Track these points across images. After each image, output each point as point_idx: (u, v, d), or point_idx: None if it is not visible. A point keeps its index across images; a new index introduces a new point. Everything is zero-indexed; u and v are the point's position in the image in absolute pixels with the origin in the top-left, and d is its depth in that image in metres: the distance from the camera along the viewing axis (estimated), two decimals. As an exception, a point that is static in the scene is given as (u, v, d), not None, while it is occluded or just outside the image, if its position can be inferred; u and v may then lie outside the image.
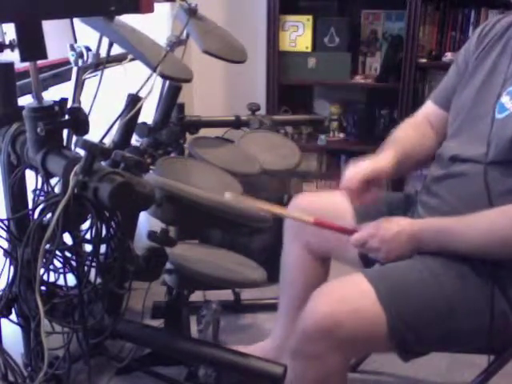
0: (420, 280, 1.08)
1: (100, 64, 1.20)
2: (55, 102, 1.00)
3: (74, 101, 1.28)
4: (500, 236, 1.04)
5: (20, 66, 1.07)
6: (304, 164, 2.45)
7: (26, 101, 1.04)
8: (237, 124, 1.77)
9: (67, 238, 1.00)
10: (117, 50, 1.17)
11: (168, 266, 1.26)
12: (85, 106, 1.13)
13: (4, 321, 1.17)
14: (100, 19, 1.04)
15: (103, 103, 1.20)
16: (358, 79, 2.66)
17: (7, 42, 1.06)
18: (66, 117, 1.00)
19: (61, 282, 1.07)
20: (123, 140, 1.32)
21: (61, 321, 1.09)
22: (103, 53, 1.19)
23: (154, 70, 1.03)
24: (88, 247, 1.05)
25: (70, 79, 1.34)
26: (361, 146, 2.63)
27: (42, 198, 1.06)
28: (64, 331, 1.09)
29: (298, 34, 2.61)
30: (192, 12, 1.46)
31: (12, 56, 1.05)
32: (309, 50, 2.62)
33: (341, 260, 1.37)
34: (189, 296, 1.65)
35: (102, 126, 1.08)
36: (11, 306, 1.14)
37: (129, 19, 1.10)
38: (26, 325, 1.17)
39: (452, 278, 1.08)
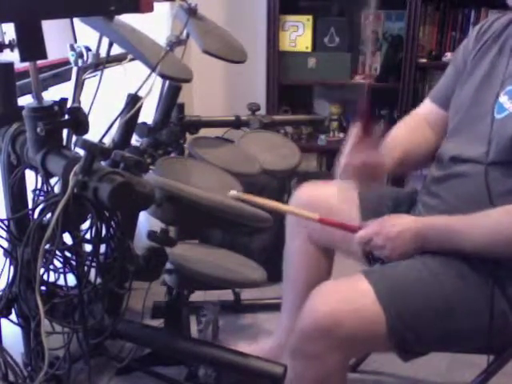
0: (419, 279, 1.08)
1: (100, 64, 1.20)
2: (55, 102, 1.00)
3: (73, 101, 1.28)
4: (505, 235, 1.04)
5: (20, 65, 1.07)
6: (304, 164, 2.45)
7: (25, 101, 1.03)
8: (237, 124, 1.77)
9: (67, 238, 1.00)
10: (117, 49, 1.17)
11: (168, 265, 1.26)
12: (85, 105, 1.13)
13: (4, 321, 1.17)
14: (100, 19, 1.03)
15: (103, 103, 1.20)
16: (358, 79, 2.66)
17: (7, 42, 1.06)
18: (66, 117, 0.99)
19: (61, 282, 1.07)
20: (123, 140, 1.32)
21: (61, 321, 1.08)
22: (103, 53, 1.19)
23: (154, 70, 1.03)
24: (88, 247, 1.04)
25: (69, 79, 1.35)
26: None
27: (41, 198, 1.06)
28: (64, 331, 1.08)
29: (298, 34, 2.61)
30: (192, 12, 1.45)
31: (12, 56, 1.05)
32: (309, 50, 2.62)
33: (344, 253, 1.36)
34: (189, 296, 1.65)
35: (101, 126, 1.08)
36: (11, 306, 1.14)
37: (129, 19, 1.10)
38: (26, 325, 1.17)
39: (452, 278, 1.08)
